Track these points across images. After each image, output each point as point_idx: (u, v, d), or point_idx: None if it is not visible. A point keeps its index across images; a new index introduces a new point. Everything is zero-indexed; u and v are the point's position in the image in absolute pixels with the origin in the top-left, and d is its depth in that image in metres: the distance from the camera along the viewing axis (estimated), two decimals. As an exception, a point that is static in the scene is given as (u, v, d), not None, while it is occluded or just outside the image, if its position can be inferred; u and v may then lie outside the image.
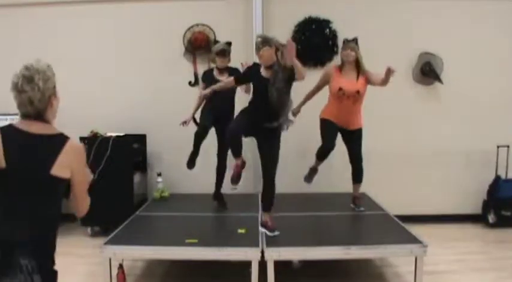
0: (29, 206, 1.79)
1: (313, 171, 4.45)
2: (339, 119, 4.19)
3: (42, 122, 1.85)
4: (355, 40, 4.20)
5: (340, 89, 4.10)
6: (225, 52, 4.29)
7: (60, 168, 1.80)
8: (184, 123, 4.44)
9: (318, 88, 4.34)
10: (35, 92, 1.81)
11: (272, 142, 3.66)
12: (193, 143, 4.41)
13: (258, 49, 3.53)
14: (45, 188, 1.81)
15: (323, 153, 4.28)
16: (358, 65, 4.14)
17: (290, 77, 3.49)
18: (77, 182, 1.89)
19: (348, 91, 4.08)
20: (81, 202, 1.98)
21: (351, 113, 4.16)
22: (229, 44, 4.38)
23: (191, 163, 4.45)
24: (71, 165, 1.83)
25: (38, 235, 1.81)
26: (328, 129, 4.22)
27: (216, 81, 4.23)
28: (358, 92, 4.09)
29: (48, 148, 1.81)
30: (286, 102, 3.57)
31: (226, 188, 4.50)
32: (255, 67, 3.70)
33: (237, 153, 3.71)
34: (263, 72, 3.60)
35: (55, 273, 1.92)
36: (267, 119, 3.58)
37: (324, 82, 4.28)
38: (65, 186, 1.86)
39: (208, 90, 4.05)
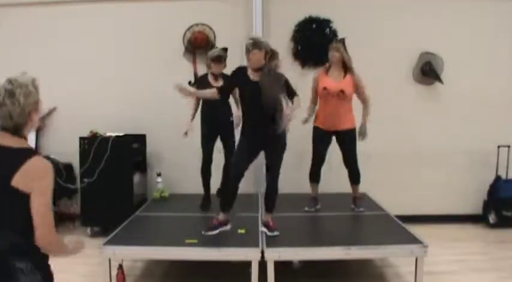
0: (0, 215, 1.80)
1: (312, 200, 4.44)
2: (327, 120, 4.21)
3: (17, 136, 1.84)
4: (341, 41, 4.25)
5: (325, 88, 4.13)
6: (220, 58, 4.29)
7: (20, 181, 1.77)
8: (186, 134, 4.42)
9: (315, 96, 4.34)
10: (15, 106, 1.80)
11: (277, 145, 3.63)
12: (202, 183, 4.52)
13: (247, 51, 3.46)
14: (9, 198, 1.78)
15: (313, 169, 4.37)
16: (345, 66, 4.15)
17: (280, 81, 3.49)
18: (36, 204, 1.78)
19: (332, 90, 4.11)
20: (41, 228, 1.78)
21: (337, 112, 4.16)
22: (225, 49, 4.39)
23: (205, 207, 4.50)
24: (30, 182, 1.78)
25: (20, 242, 1.79)
26: (317, 140, 4.30)
27: (211, 86, 4.24)
28: (342, 91, 4.09)
29: (12, 160, 1.79)
30: (279, 101, 3.44)
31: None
32: (241, 70, 3.61)
33: (226, 208, 3.70)
34: (251, 75, 3.53)
35: (49, 267, 1.92)
36: (265, 127, 3.48)
37: (316, 89, 4.30)
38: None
39: (191, 94, 3.90)
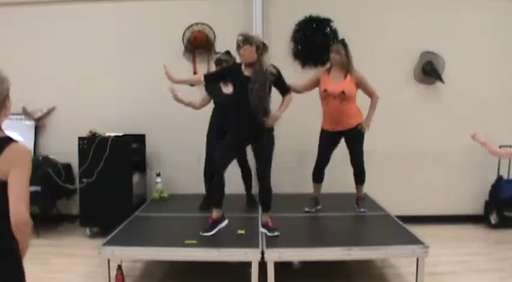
0: None
1: (313, 201, 4.41)
2: (331, 121, 4.20)
3: None
4: (341, 42, 4.23)
5: (325, 90, 4.13)
6: (221, 62, 4.33)
7: (0, 171, 1.77)
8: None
9: (304, 85, 4.32)
10: None
11: (262, 143, 3.65)
12: (204, 184, 4.45)
13: (238, 47, 3.55)
14: None
15: (317, 169, 4.34)
16: (346, 67, 4.14)
17: (269, 79, 3.53)
18: (16, 188, 1.76)
19: (333, 92, 4.09)
20: (21, 211, 1.76)
21: (340, 113, 4.15)
22: (227, 53, 4.40)
23: (205, 207, 4.42)
24: (8, 166, 1.77)
25: None
26: (323, 142, 4.29)
27: (217, 88, 4.26)
28: (343, 92, 4.08)
29: None
30: (265, 102, 3.55)
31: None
32: (235, 66, 3.70)
33: (217, 202, 3.69)
34: (245, 71, 3.59)
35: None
36: (248, 121, 3.55)
37: (312, 81, 4.29)
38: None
39: (173, 76, 3.78)
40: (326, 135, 4.26)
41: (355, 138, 4.23)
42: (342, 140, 4.29)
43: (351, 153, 4.29)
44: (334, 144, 4.30)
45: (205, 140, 4.50)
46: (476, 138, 3.13)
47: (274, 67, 3.63)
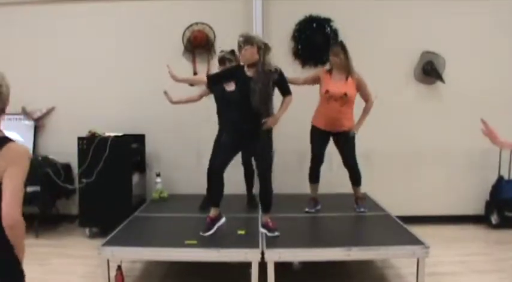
0: None
1: (312, 201, 4.40)
2: (328, 122, 4.19)
3: None
4: (339, 44, 4.23)
5: (327, 91, 4.12)
6: (224, 60, 4.32)
7: None
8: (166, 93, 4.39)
9: (305, 80, 4.35)
10: (3, 88, 1.87)
11: (261, 145, 3.64)
12: (207, 184, 4.41)
13: (239, 48, 3.54)
14: None
15: (313, 169, 4.33)
16: (346, 68, 4.15)
17: (272, 78, 3.52)
18: (11, 184, 1.76)
19: (335, 93, 4.10)
20: (12, 208, 1.74)
21: (338, 114, 4.15)
22: (232, 52, 4.38)
23: (204, 207, 4.37)
24: (5, 165, 1.77)
25: None
26: (316, 140, 4.29)
27: (220, 88, 4.25)
28: (345, 94, 4.08)
29: None
30: (267, 102, 3.55)
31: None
32: (238, 68, 3.69)
33: (215, 202, 3.69)
34: (248, 72, 3.59)
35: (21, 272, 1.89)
36: (248, 121, 3.55)
37: (313, 78, 4.31)
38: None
39: (176, 75, 3.81)
40: (317, 133, 4.26)
41: (345, 141, 4.23)
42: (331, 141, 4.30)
43: (343, 156, 4.29)
44: (326, 141, 4.30)
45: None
46: (486, 125, 3.11)
47: (277, 68, 3.61)
